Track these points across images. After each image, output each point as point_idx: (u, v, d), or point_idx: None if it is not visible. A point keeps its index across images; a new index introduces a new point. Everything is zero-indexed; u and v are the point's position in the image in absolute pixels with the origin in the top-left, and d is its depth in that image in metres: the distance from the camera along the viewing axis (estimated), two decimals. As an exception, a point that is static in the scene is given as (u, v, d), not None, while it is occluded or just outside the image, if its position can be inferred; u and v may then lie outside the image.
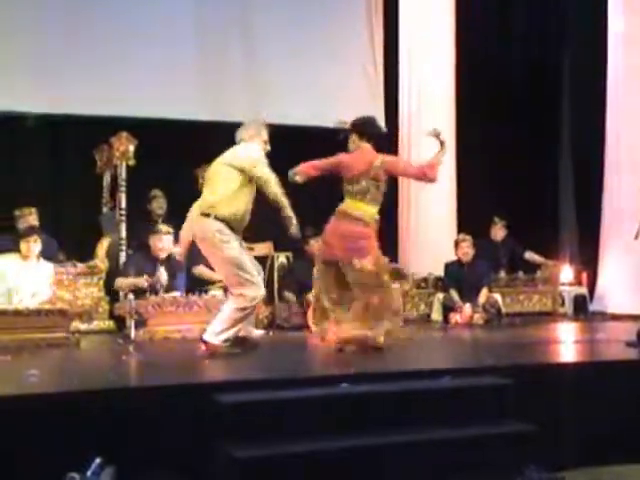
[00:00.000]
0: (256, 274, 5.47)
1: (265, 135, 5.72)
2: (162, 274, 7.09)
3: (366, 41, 9.97)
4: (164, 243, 7.27)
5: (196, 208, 5.66)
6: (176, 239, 7.30)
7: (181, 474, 3.93)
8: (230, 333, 5.40)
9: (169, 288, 7.12)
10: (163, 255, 7.27)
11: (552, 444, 4.37)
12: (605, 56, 9.68)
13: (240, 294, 5.35)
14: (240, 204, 5.45)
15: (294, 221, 5.46)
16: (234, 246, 5.41)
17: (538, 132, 10.31)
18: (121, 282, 7.22)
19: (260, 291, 5.45)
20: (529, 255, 9.52)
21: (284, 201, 5.44)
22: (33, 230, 7.01)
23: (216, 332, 5.37)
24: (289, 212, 5.45)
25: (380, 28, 10.03)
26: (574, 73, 10.52)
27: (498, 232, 9.35)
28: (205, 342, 5.39)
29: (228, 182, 5.47)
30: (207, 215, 5.42)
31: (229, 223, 5.41)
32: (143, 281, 7.02)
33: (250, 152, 5.55)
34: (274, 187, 5.42)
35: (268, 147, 5.70)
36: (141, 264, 7.27)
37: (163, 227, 7.40)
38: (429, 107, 9.32)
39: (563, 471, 4.30)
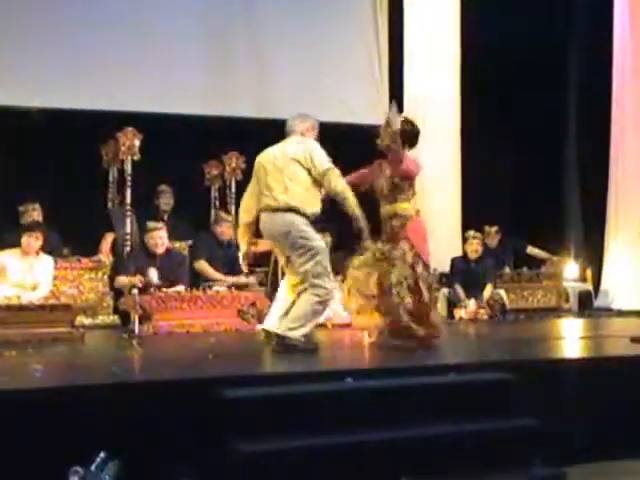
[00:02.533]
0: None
1: (317, 131, 5.62)
2: (152, 274, 7.07)
3: (371, 38, 9.97)
4: (156, 240, 7.29)
5: (248, 203, 5.60)
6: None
7: (186, 468, 3.92)
8: (308, 327, 5.34)
9: (172, 282, 7.13)
10: (160, 250, 7.28)
11: (557, 439, 4.36)
12: (611, 52, 9.68)
13: (320, 285, 5.28)
14: (317, 201, 5.39)
15: (361, 223, 5.35)
16: (317, 237, 5.38)
17: (544, 128, 10.30)
18: (120, 280, 7.27)
19: (334, 284, 5.45)
20: (531, 250, 9.52)
21: (351, 199, 5.33)
22: (37, 225, 7.01)
23: (293, 327, 5.28)
24: (356, 211, 5.33)
25: (385, 25, 10.03)
26: (580, 68, 10.51)
27: (492, 240, 9.29)
28: (282, 337, 5.29)
29: (300, 180, 5.34)
30: (288, 210, 5.30)
31: (309, 218, 5.36)
32: (137, 281, 7.03)
33: (311, 146, 5.43)
34: (337, 180, 5.30)
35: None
36: (140, 260, 7.28)
37: (152, 224, 7.43)
38: (434, 103, 9.32)
39: (569, 466, 4.29)
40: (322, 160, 5.32)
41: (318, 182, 5.34)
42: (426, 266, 5.72)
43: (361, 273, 5.74)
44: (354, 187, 5.69)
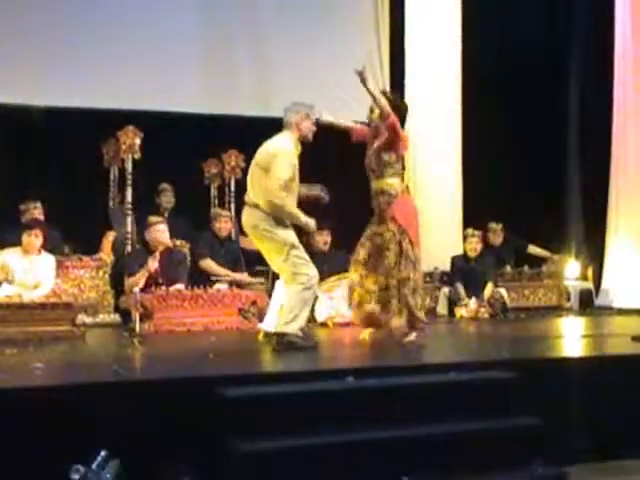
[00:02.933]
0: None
1: (313, 118, 5.61)
2: (153, 262, 7.04)
3: (372, 34, 9.96)
4: (159, 235, 7.28)
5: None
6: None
7: (186, 467, 3.92)
8: (302, 318, 5.36)
9: (172, 280, 7.11)
10: (161, 247, 7.27)
11: (558, 439, 4.36)
12: (612, 48, 9.68)
13: (300, 273, 5.33)
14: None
15: (302, 221, 5.49)
16: (289, 229, 5.43)
17: (544, 127, 10.29)
18: (130, 282, 7.10)
19: (315, 270, 5.45)
20: (532, 249, 9.51)
21: (287, 212, 5.39)
22: (36, 223, 7.01)
23: (287, 320, 5.30)
24: (300, 220, 5.47)
25: (386, 21, 10.02)
26: (581, 69, 10.51)
27: (497, 238, 9.27)
28: (280, 334, 5.31)
29: (263, 181, 5.41)
30: (255, 206, 5.41)
31: (275, 218, 5.40)
32: (143, 273, 7.01)
33: (278, 146, 5.46)
34: (278, 194, 5.33)
35: (314, 129, 5.62)
36: (141, 259, 7.27)
37: (153, 218, 7.41)
38: (435, 101, 9.31)
39: (569, 466, 4.29)
40: (278, 169, 5.33)
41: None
42: (412, 243, 5.69)
43: (362, 271, 5.76)
44: (346, 132, 5.90)
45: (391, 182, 5.73)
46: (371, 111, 5.86)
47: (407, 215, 5.75)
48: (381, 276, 5.70)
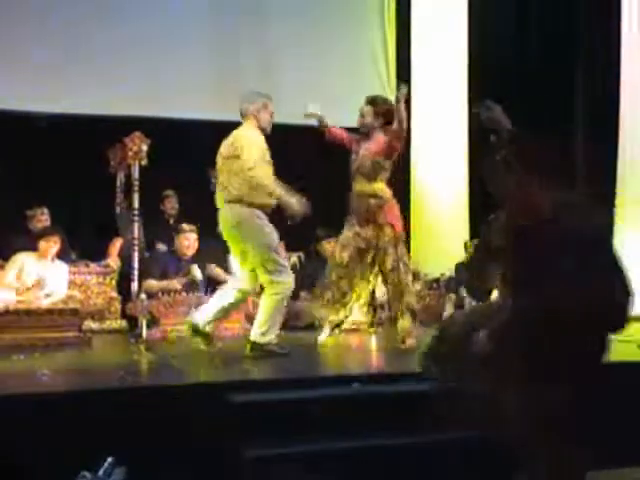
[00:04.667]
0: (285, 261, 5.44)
1: (271, 108, 5.57)
2: (197, 272, 7.10)
3: (379, 41, 9.95)
4: (190, 241, 7.31)
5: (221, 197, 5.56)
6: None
7: (192, 474, 3.93)
8: (277, 327, 5.35)
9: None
10: (190, 253, 7.32)
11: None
12: (619, 53, 9.69)
13: (278, 282, 5.27)
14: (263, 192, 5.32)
15: (294, 205, 5.23)
16: (271, 230, 5.35)
17: (551, 132, 10.26)
18: (151, 284, 7.09)
19: (292, 278, 5.40)
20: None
21: (275, 189, 5.25)
22: (55, 230, 7.04)
23: (264, 332, 5.30)
24: (285, 198, 5.24)
25: (393, 27, 10.02)
26: (588, 66, 10.50)
27: None
28: (254, 343, 5.33)
29: (235, 169, 5.36)
30: (239, 202, 5.32)
31: (261, 207, 5.33)
32: (175, 283, 7.04)
33: (245, 134, 5.43)
34: (257, 171, 5.22)
35: (273, 120, 5.58)
36: (165, 263, 7.28)
37: (186, 226, 7.44)
38: (442, 106, 9.32)
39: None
40: (247, 152, 5.28)
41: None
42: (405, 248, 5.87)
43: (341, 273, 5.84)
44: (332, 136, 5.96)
45: (382, 186, 5.85)
46: (362, 116, 5.91)
47: (399, 219, 5.90)
48: (357, 278, 5.83)
